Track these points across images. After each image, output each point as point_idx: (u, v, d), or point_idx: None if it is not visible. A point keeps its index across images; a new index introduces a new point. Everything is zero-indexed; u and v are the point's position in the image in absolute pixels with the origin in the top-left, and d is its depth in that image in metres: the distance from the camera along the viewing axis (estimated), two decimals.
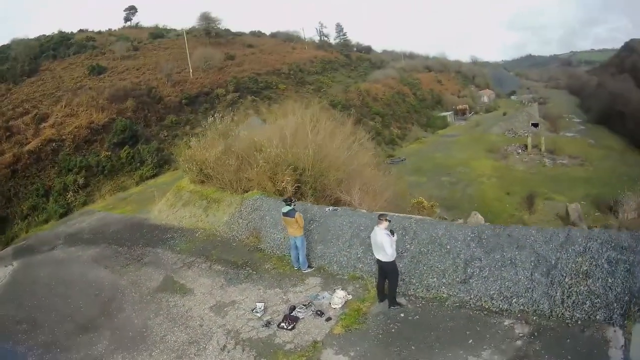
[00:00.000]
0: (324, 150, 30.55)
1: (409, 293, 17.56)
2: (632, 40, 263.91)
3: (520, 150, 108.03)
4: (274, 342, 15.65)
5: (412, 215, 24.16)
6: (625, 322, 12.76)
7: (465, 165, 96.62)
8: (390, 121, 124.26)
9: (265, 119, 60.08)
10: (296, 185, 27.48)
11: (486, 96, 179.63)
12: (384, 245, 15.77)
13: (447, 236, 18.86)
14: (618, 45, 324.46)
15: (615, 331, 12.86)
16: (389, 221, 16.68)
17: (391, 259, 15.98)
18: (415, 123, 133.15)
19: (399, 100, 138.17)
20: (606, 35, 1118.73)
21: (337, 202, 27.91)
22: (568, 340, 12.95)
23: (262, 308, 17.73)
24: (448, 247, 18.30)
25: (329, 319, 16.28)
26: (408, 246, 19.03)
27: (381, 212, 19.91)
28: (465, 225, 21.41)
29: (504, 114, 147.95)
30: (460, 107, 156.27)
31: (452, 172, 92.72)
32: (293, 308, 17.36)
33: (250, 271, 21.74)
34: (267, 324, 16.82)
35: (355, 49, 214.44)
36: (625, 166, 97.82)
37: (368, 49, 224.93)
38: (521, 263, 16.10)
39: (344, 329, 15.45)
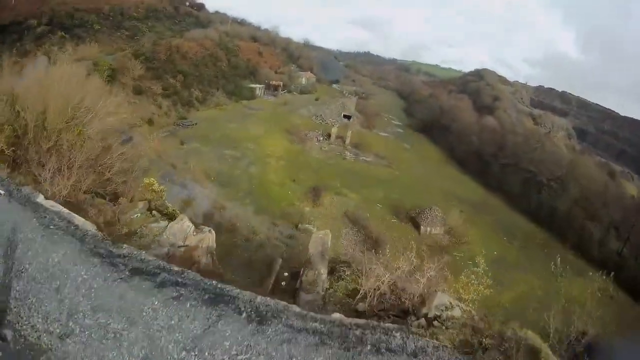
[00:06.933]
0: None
1: (18, 327, 11.98)
2: (483, 69, 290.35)
3: (321, 138, 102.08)
4: None
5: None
6: None
7: (256, 142, 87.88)
8: (193, 82, 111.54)
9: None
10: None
11: (305, 78, 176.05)
12: None
13: (61, 266, 13.60)
14: (466, 69, 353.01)
15: None
16: None
17: None
18: (220, 89, 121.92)
19: (210, 63, 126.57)
20: (455, 58, 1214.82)
21: None
22: None
23: None
24: (58, 282, 13.06)
25: None
26: (27, 265, 13.54)
27: None
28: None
29: (317, 99, 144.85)
30: (274, 82, 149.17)
31: (240, 146, 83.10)
32: None
33: None
34: None
35: (187, 3, 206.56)
36: (438, 178, 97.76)
37: (200, 6, 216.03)
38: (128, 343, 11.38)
39: None
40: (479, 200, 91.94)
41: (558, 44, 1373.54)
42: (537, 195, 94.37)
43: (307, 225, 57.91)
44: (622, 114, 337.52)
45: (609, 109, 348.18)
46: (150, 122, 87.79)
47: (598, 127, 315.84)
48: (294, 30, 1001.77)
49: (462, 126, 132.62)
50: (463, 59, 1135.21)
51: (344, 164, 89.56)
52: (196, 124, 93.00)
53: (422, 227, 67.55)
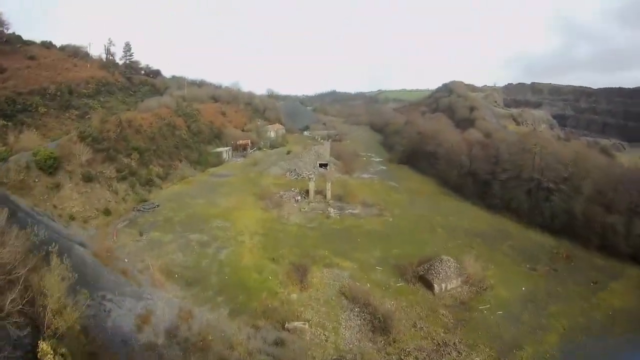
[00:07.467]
0: None
1: None
2: (450, 81, 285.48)
3: (299, 197, 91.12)
4: None
5: None
6: None
7: (226, 217, 76.83)
8: (152, 158, 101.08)
9: None
10: None
11: (273, 131, 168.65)
12: None
13: None
14: (432, 86, 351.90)
15: None
16: None
17: None
18: (184, 159, 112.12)
19: (168, 133, 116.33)
20: (420, 77, 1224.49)
21: None
22: None
23: None
24: None
25: None
26: None
27: None
28: None
29: (288, 152, 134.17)
30: (241, 142, 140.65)
31: (208, 226, 71.91)
32: None
33: None
34: None
35: (143, 71, 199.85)
36: (438, 213, 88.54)
37: (156, 73, 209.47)
38: None
39: None
40: (487, 228, 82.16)
41: (521, 36, 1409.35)
42: (548, 203, 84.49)
43: (296, 324, 46.28)
44: (595, 87, 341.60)
45: (581, 86, 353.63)
46: (106, 211, 77.13)
47: (575, 107, 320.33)
48: (256, 82, 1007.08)
49: (448, 148, 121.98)
50: (429, 77, 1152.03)
51: (329, 224, 78.36)
52: (158, 205, 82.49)
53: (435, 285, 56.15)
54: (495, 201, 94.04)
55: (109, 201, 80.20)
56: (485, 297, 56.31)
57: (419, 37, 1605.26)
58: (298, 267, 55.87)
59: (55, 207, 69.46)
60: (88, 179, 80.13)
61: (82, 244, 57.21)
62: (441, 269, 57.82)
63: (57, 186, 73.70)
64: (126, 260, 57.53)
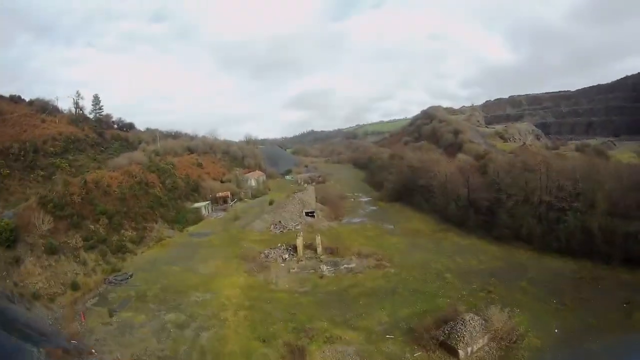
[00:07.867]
0: None
1: None
2: (429, 107, 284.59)
3: (286, 255, 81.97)
4: None
5: None
6: None
7: (206, 287, 67.62)
8: (123, 221, 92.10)
9: None
10: None
11: (254, 179, 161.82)
12: None
13: None
14: (409, 115, 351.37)
15: None
16: None
17: None
18: (160, 219, 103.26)
19: (140, 192, 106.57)
20: (396, 108, 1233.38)
21: None
22: None
23: None
24: None
25: None
26: None
27: None
28: None
29: (271, 203, 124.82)
30: (221, 194, 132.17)
31: (186, 301, 62.57)
32: None
33: None
34: None
35: (115, 125, 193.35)
36: (443, 255, 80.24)
37: (130, 126, 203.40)
38: None
39: None
40: (500, 264, 74.15)
41: (488, 53, 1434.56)
42: (562, 225, 77.09)
43: None
44: (574, 89, 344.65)
45: (559, 91, 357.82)
46: (74, 286, 68.12)
47: (556, 113, 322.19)
48: (233, 129, 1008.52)
49: (442, 179, 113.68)
50: (403, 107, 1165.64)
51: (324, 285, 68.87)
52: (131, 275, 73.71)
53: (460, 351, 47.13)
54: (503, 231, 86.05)
55: (77, 274, 71.53)
56: (517, 350, 47.95)
57: (395, 68, 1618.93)
58: (294, 348, 46.97)
59: (15, 284, 61.29)
60: (51, 250, 71.65)
61: (42, 334, 49.63)
62: (465, 331, 49.01)
63: (17, 261, 65.72)
64: (94, 351, 48.82)
